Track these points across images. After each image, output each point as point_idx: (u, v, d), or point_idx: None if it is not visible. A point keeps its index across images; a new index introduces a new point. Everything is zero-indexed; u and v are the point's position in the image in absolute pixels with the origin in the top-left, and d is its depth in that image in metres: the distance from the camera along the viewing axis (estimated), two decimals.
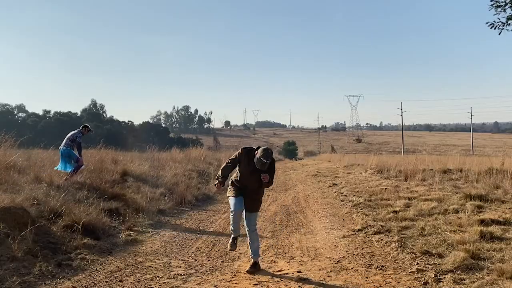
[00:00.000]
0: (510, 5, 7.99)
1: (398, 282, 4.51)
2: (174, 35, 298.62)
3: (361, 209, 8.88)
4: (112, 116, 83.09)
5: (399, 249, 5.70)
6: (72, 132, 9.65)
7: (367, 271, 4.94)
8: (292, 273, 4.93)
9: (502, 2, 8.03)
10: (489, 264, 4.74)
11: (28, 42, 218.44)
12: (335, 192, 12.29)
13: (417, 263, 5.03)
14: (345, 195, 11.23)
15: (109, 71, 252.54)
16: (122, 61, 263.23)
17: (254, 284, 4.58)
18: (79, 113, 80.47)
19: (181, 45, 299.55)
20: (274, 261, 5.45)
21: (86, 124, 10.23)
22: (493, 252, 5.16)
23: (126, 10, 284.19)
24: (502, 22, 8.16)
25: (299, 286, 4.50)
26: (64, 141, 9.43)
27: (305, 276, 4.77)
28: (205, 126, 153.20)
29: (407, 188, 11.07)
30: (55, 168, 9.17)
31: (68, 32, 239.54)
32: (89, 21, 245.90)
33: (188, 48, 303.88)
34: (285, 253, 5.88)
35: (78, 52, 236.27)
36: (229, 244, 5.23)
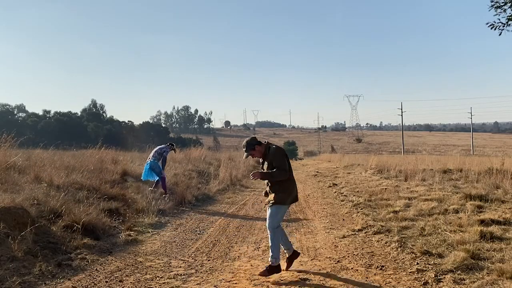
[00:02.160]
0: (510, 5, 7.97)
1: (398, 282, 4.51)
2: (175, 35, 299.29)
3: (361, 209, 8.88)
4: (112, 116, 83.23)
5: (399, 249, 5.69)
6: (160, 146, 10.72)
7: (367, 271, 4.94)
8: (292, 273, 4.93)
9: (502, 2, 8.01)
10: (489, 264, 4.73)
11: (28, 42, 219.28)
12: (335, 192, 12.29)
13: (417, 263, 5.03)
14: (345, 195, 11.23)
15: (109, 71, 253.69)
16: (122, 61, 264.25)
17: (254, 285, 4.57)
18: (79, 113, 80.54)
19: (181, 45, 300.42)
20: None
21: (173, 143, 11.33)
22: (493, 252, 5.15)
23: (127, 10, 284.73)
24: (502, 23, 8.15)
25: (299, 286, 4.50)
26: (152, 153, 10.39)
27: (305, 276, 4.77)
28: (205, 126, 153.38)
29: (407, 188, 11.07)
30: (142, 179, 10.29)
31: (68, 32, 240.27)
32: (89, 21, 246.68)
33: (188, 48, 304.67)
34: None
35: (78, 52, 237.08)
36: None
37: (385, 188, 11.16)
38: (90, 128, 70.57)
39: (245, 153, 4.93)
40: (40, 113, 77.20)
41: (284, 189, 4.87)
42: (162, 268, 5.16)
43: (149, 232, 7.12)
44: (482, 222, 6.50)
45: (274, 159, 4.84)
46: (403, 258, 5.32)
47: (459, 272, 4.61)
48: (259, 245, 6.34)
